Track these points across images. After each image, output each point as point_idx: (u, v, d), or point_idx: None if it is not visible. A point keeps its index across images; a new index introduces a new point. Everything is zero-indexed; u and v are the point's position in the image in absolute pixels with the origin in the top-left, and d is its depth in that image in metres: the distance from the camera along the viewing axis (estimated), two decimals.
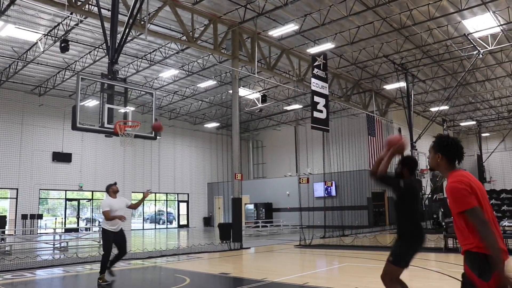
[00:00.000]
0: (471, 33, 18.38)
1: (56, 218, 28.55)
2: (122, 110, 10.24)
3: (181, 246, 16.17)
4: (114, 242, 8.48)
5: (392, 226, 25.37)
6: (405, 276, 9.27)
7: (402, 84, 23.69)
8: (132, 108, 10.89)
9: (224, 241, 16.83)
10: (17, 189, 25.40)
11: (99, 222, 29.57)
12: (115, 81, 9.87)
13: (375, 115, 26.23)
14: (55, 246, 16.17)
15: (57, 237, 17.16)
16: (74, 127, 8.89)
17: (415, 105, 27.93)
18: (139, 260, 12.32)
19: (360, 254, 12.82)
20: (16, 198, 25.36)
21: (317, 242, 16.66)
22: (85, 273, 10.26)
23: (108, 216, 8.21)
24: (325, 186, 24.89)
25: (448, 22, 18.36)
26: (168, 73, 23.12)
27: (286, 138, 36.03)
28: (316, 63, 18.93)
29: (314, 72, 18.74)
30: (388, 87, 25.31)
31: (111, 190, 8.61)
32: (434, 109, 29.23)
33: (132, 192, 30.87)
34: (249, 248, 15.84)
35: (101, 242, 8.60)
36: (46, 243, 16.73)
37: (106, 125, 9.31)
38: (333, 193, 27.30)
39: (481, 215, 2.89)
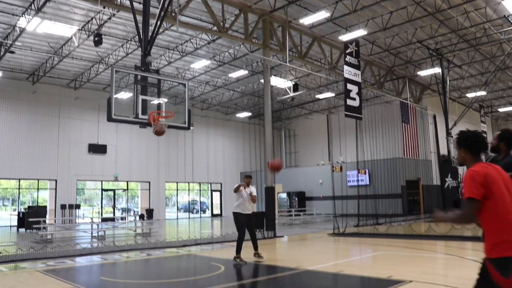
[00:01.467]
0: None
1: (92, 208, 29.39)
2: (156, 101, 10.38)
3: (215, 235, 16.36)
4: (246, 223, 9.49)
5: (427, 215, 24.93)
6: (441, 265, 9.11)
7: (437, 70, 23.12)
8: (165, 99, 10.99)
9: (258, 230, 16.89)
10: (56, 180, 26.24)
11: (134, 211, 30.27)
12: (148, 73, 10.01)
13: (409, 102, 25.69)
14: (93, 235, 16.63)
15: (95, 226, 17.65)
16: (110, 119, 9.08)
17: (450, 91, 27.20)
18: (174, 249, 12.55)
19: (394, 242, 12.67)
20: (55, 189, 26.20)
21: (351, 231, 16.55)
22: (122, 261, 10.53)
23: (236, 188, 9.55)
24: (359, 175, 24.63)
25: (486, 4, 17.73)
26: (200, 64, 23.25)
27: (318, 126, 35.75)
28: (348, 51, 18.67)
29: (346, 59, 18.51)
30: (422, 73, 24.73)
31: (246, 180, 9.80)
32: (470, 95, 28.43)
33: (166, 181, 31.44)
34: (283, 236, 15.89)
35: (235, 225, 9.82)
36: (85, 231, 17.22)
37: (140, 116, 9.45)
38: (367, 181, 27.00)
39: (470, 209, 3.00)
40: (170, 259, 10.75)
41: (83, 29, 18.94)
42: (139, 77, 10.00)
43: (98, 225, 17.22)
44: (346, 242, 13.70)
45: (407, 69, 25.50)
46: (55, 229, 17.42)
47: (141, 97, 9.58)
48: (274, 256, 11.19)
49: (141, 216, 25.11)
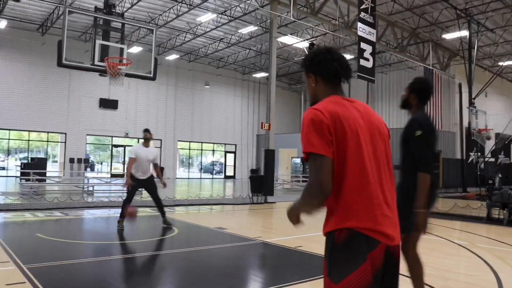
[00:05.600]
0: None
1: (101, 164, 29.26)
2: (116, 46, 9.44)
3: (204, 197, 15.62)
4: (145, 189, 8.50)
5: (443, 190, 23.46)
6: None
7: (465, 33, 21.12)
8: (126, 46, 10.00)
9: (255, 194, 16.08)
10: (65, 133, 26.05)
11: None
12: (110, 16, 9.04)
13: (434, 68, 23.85)
14: (84, 189, 16.23)
15: (93, 181, 17.30)
16: (60, 64, 8.27)
17: (482, 59, 25.18)
18: (149, 209, 11.86)
19: None
20: (65, 143, 26.06)
21: None
22: (78, 218, 9.91)
23: (130, 165, 8.15)
24: None
25: None
26: (206, 17, 22.02)
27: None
28: (363, 6, 17.16)
29: (360, 16, 17.07)
30: (448, 36, 22.63)
31: (143, 136, 8.36)
32: (506, 63, 26.18)
33: (179, 140, 30.90)
34: (274, 202, 14.97)
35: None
36: (76, 186, 16.83)
37: (96, 62, 8.56)
38: None
39: (319, 165, 1.90)
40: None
41: None
42: (100, 20, 9.04)
43: (88, 180, 16.79)
44: None
45: (433, 32, 23.45)
46: (46, 182, 17.12)
47: (98, 41, 8.65)
48: (242, 224, 10.28)
49: None
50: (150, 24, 22.85)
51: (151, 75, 9.74)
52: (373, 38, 17.47)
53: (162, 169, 28.76)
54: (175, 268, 5.97)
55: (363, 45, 17.07)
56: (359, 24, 16.93)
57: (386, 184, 2.03)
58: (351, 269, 1.87)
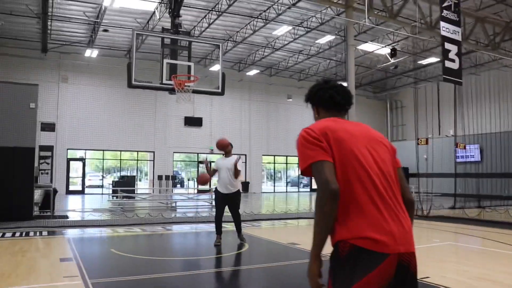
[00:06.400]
0: None
1: (189, 180, 30.18)
2: (184, 63, 9.61)
3: (282, 211, 15.37)
4: (227, 205, 8.36)
5: None
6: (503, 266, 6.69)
7: None
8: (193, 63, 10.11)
9: None
10: (154, 152, 27.30)
11: None
12: (177, 35, 9.25)
13: None
14: (167, 205, 16.73)
15: (176, 197, 17.82)
16: (130, 85, 8.57)
17: None
18: (225, 224, 11.88)
19: (477, 231, 10.56)
20: (153, 161, 27.30)
21: (441, 213, 14.39)
22: (155, 233, 10.10)
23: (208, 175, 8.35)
24: (458, 150, 21.33)
25: None
26: (281, 30, 22.06)
27: (429, 96, 32.37)
28: (445, 4, 16.11)
29: (443, 14, 16.02)
30: None
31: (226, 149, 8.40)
32: None
33: (263, 155, 31.05)
34: None
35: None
36: (161, 202, 17.40)
37: (164, 81, 8.77)
38: (478, 157, 23.66)
39: (320, 168, 1.94)
40: (200, 234, 10.07)
41: (162, 1, 18.86)
42: (167, 40, 9.28)
43: (171, 196, 17.31)
44: (420, 226, 11.78)
45: None
46: (136, 198, 17.94)
47: (165, 61, 8.86)
48: None
49: None
50: (229, 41, 23.43)
51: (219, 90, 9.78)
52: (458, 37, 16.33)
53: (247, 183, 29.09)
54: (240, 286, 5.80)
55: (447, 46, 15.99)
56: (442, 23, 15.87)
57: (394, 189, 2.03)
58: (354, 281, 1.82)
